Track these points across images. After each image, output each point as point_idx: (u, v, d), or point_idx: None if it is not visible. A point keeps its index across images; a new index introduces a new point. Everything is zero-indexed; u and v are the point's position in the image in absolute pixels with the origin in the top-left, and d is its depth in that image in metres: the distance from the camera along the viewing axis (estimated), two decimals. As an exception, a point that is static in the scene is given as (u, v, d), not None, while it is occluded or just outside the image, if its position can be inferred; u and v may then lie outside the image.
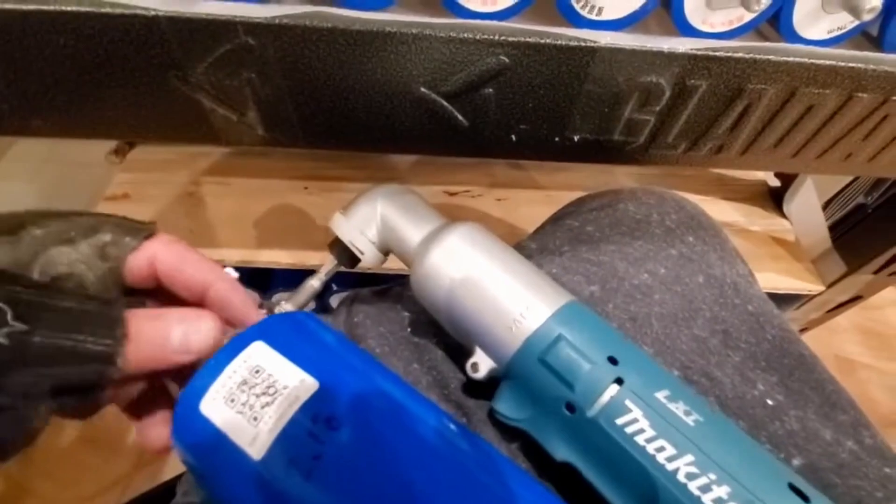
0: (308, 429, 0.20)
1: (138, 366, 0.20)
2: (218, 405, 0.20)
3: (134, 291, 0.25)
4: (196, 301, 0.25)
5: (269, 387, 0.20)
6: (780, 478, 0.21)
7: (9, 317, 0.17)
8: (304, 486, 0.19)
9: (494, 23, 0.29)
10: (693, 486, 0.20)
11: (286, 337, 0.22)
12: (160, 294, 0.25)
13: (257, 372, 0.21)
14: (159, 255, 0.24)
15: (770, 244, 0.70)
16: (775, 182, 0.76)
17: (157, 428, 0.24)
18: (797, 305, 0.71)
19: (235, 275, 0.26)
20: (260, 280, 0.78)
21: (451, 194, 0.72)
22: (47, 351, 0.18)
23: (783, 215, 0.73)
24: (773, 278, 0.66)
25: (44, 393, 0.18)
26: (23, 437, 0.18)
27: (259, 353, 0.21)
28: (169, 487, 0.34)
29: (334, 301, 0.78)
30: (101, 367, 0.19)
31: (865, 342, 0.95)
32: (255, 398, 0.20)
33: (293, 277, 0.30)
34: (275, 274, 0.79)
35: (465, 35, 0.27)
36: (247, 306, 0.25)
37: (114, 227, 0.23)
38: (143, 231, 0.24)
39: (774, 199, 0.75)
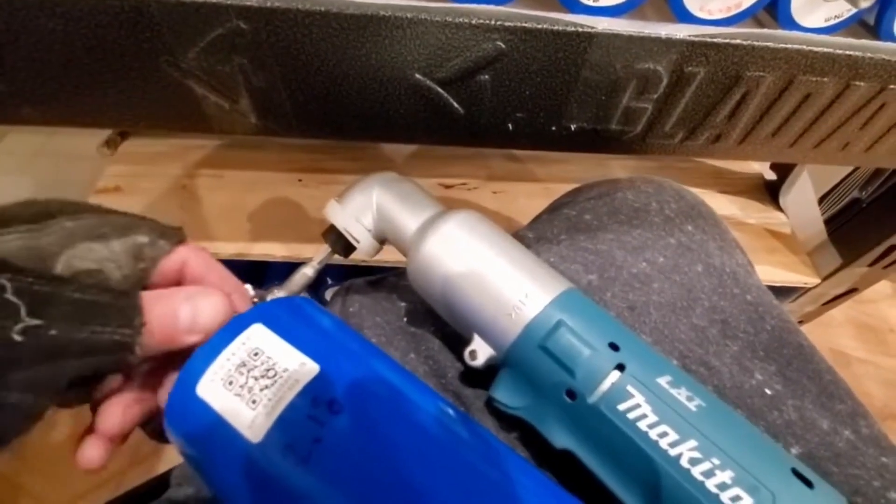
0: (308, 412, 0.19)
1: (151, 349, 0.20)
2: (216, 388, 0.20)
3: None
4: None
5: (268, 369, 0.20)
6: (783, 463, 0.21)
7: (22, 312, 0.17)
8: (302, 469, 0.19)
9: (491, 7, 0.28)
10: (696, 472, 0.20)
11: (285, 320, 0.22)
12: None
13: (256, 354, 0.20)
14: (191, 261, 0.24)
15: (766, 237, 0.70)
16: (771, 175, 0.76)
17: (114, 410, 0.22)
18: (793, 298, 0.71)
19: (252, 293, 0.26)
20: (255, 274, 0.77)
21: (448, 187, 0.71)
22: (64, 344, 0.17)
23: (779, 208, 0.73)
24: (769, 271, 0.67)
25: (59, 385, 0.18)
26: (22, 427, 0.18)
27: (258, 336, 0.21)
28: (162, 481, 0.34)
29: (329, 295, 0.78)
30: (119, 356, 0.19)
31: (859, 336, 0.95)
32: (254, 381, 0.20)
33: (289, 271, 0.30)
34: (270, 267, 0.78)
35: (461, 20, 0.27)
36: None
37: (149, 229, 0.23)
38: (176, 235, 0.24)
39: (770, 193, 0.75)
